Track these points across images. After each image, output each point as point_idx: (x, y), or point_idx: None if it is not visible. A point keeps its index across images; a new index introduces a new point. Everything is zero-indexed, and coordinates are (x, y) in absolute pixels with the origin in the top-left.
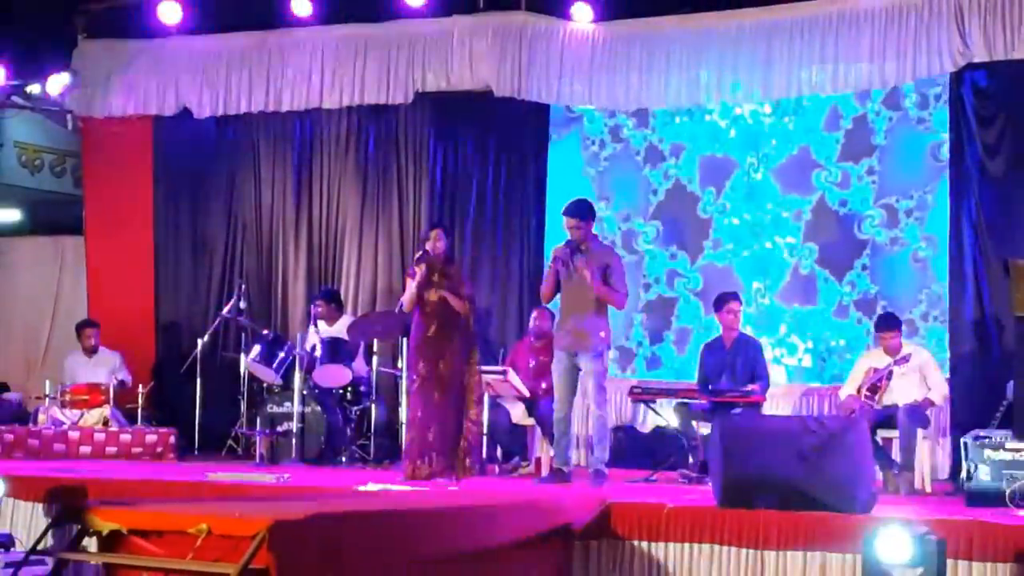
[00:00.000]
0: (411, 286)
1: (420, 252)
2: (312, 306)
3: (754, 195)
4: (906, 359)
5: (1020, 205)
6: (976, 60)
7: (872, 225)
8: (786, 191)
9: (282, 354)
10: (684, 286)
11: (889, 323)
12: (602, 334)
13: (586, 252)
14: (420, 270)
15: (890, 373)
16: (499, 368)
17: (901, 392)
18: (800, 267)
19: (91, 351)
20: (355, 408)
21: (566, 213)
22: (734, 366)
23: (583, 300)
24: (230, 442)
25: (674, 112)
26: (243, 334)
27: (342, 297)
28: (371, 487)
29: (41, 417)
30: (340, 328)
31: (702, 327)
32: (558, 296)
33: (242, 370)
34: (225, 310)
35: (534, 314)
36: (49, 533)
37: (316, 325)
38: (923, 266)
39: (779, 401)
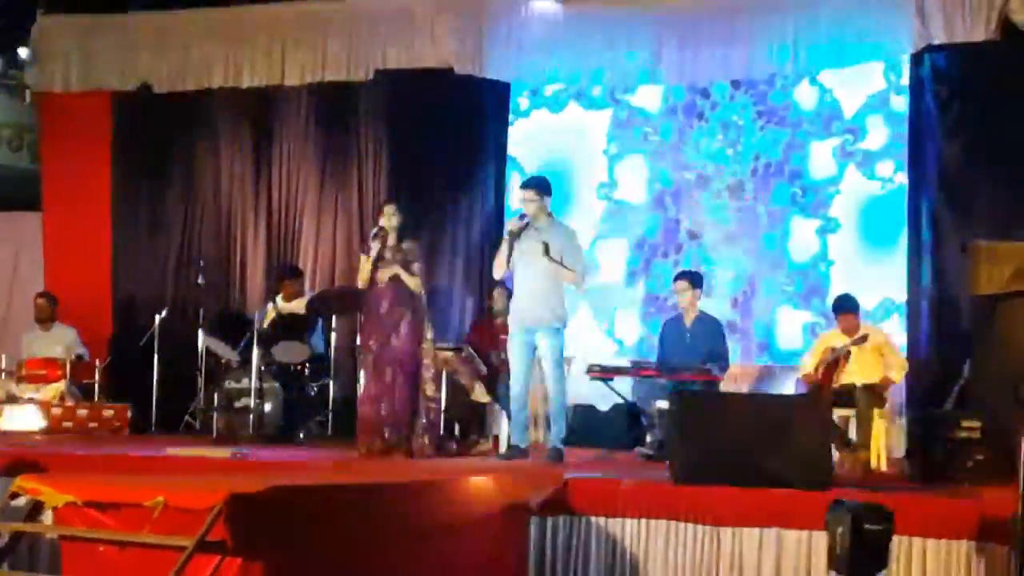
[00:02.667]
0: (365, 262)
1: (376, 228)
2: (276, 282)
3: (726, 191)
4: (863, 339)
5: (978, 186)
6: (935, 42)
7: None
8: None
9: (240, 330)
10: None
11: (845, 305)
12: (558, 311)
13: (542, 229)
14: (375, 246)
15: (847, 353)
16: (458, 345)
17: (859, 371)
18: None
19: (43, 322)
20: (313, 384)
21: (524, 186)
22: (693, 344)
23: (538, 276)
24: (187, 418)
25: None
26: (201, 310)
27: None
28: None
29: None
30: (298, 304)
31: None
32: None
33: (200, 346)
34: (183, 286)
35: (491, 292)
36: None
37: (275, 301)
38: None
39: (737, 380)
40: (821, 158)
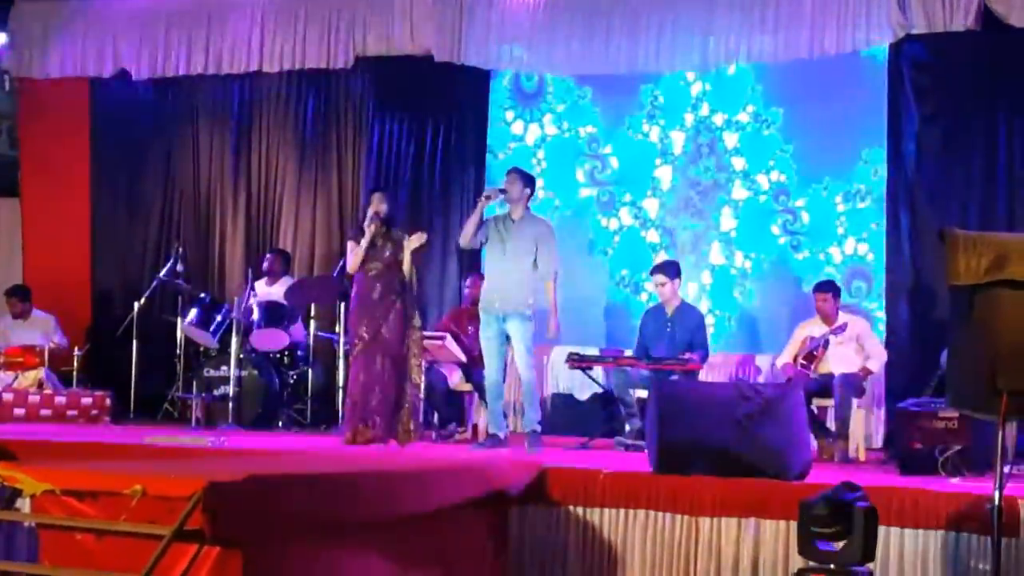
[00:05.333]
0: (358, 248)
1: (371, 214)
2: (262, 260)
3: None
4: (842, 328)
5: (955, 176)
6: (915, 32)
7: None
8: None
9: (219, 318)
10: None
11: (823, 286)
12: (529, 299)
13: (520, 220)
14: (370, 231)
15: (826, 342)
16: (437, 333)
17: (837, 361)
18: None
19: (17, 317)
20: (292, 372)
21: (511, 171)
22: (673, 334)
23: (514, 264)
24: (166, 406)
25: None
26: (180, 297)
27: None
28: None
29: None
30: (278, 291)
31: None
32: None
33: (179, 333)
34: (162, 273)
35: (468, 281)
36: None
37: (254, 288)
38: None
39: (716, 370)
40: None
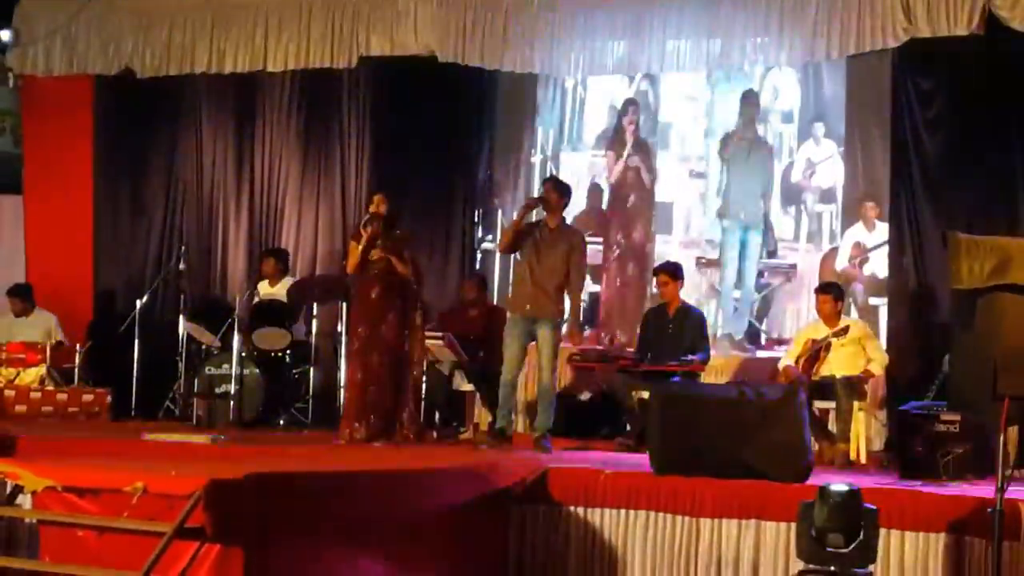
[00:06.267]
0: (355, 249)
1: (368, 216)
2: (258, 261)
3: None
4: (844, 331)
5: (959, 179)
6: (919, 35)
7: None
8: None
9: (221, 316)
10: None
11: (824, 288)
12: (560, 306)
13: (555, 230)
14: (367, 232)
15: (828, 345)
16: (438, 333)
17: (839, 364)
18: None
19: (20, 316)
20: (294, 371)
21: (547, 180)
22: (675, 335)
23: (549, 272)
24: (167, 404)
25: None
26: (182, 295)
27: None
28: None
29: None
30: (281, 290)
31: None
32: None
33: (180, 332)
34: (164, 271)
35: (465, 283)
36: None
37: (257, 289)
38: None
39: (718, 371)
40: None
